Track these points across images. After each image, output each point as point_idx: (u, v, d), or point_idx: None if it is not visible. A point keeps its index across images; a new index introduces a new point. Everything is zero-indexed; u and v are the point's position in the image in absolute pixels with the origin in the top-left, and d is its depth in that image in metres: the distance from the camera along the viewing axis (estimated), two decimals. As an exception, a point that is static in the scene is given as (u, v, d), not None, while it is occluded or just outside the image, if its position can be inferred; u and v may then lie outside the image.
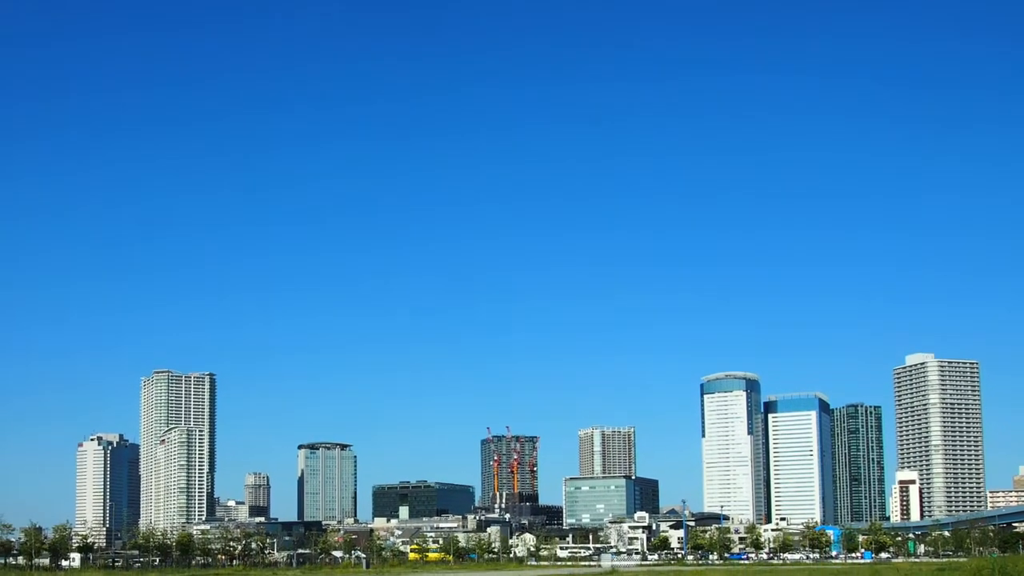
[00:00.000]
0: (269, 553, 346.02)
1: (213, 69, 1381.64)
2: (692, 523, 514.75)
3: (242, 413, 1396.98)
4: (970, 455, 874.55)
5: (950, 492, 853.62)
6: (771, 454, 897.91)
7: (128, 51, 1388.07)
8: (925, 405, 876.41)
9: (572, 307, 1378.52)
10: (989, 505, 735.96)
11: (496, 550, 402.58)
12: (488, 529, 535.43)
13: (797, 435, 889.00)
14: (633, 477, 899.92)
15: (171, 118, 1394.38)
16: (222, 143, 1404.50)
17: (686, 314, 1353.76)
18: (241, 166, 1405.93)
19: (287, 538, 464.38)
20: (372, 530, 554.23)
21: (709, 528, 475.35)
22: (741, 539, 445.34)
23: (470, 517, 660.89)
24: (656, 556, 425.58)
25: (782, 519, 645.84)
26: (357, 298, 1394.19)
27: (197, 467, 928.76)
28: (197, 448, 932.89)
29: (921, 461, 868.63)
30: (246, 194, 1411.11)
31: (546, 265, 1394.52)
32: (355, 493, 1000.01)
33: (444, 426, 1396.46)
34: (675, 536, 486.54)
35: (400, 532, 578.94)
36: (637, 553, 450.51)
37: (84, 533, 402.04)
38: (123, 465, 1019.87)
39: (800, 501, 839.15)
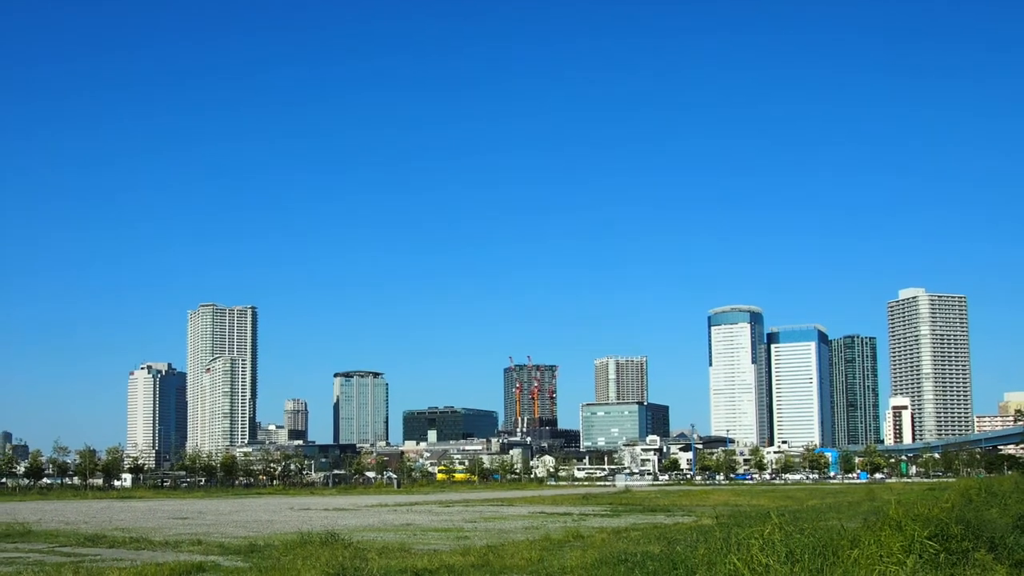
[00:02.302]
0: (307, 474, 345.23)
1: (256, 21, 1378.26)
2: (700, 446, 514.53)
3: (282, 343, 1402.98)
4: (958, 382, 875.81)
5: (940, 417, 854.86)
6: (773, 382, 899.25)
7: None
8: (917, 336, 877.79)
9: (590, 245, 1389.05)
10: (976, 429, 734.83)
11: (518, 471, 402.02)
12: (511, 451, 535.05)
13: (798, 364, 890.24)
14: (645, 403, 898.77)
15: (215, 67, 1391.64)
16: (262, 91, 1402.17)
17: (695, 251, 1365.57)
18: (280, 112, 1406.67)
19: (323, 460, 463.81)
20: (402, 452, 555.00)
21: (716, 450, 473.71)
22: (746, 461, 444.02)
23: (494, 440, 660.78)
24: (667, 476, 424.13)
25: (784, 442, 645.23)
26: (389, 236, 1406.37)
27: (240, 394, 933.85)
28: (240, 376, 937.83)
29: (913, 388, 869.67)
30: (284, 141, 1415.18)
31: (565, 208, 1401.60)
32: (387, 418, 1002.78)
33: (470, 355, 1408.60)
34: (684, 458, 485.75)
35: (428, 454, 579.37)
36: (649, 474, 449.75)
37: (135, 455, 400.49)
38: (171, 392, 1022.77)
39: (800, 425, 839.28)
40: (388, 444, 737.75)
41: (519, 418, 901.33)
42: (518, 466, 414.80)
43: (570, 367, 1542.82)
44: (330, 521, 76.00)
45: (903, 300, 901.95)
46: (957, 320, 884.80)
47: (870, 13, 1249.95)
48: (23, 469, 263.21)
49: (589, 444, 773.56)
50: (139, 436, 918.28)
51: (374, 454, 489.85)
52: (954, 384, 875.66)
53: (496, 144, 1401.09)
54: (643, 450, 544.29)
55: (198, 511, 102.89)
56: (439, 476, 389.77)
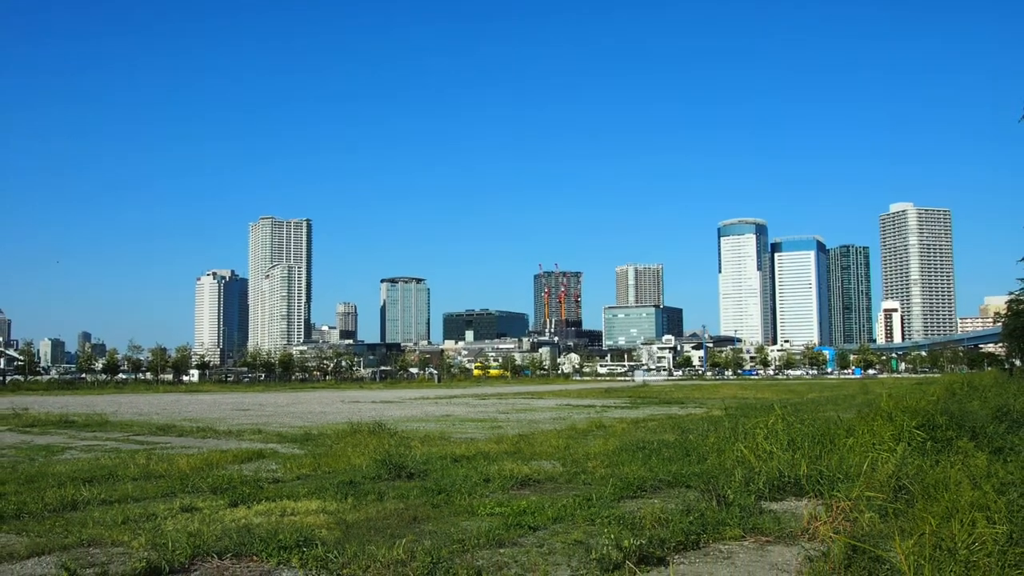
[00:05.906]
0: (356, 370, 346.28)
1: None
2: (711, 344, 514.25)
3: (334, 252, 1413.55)
4: (943, 288, 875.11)
5: (927, 318, 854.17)
6: (776, 287, 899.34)
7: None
8: (906, 246, 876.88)
9: (612, 163, 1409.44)
10: (959, 329, 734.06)
11: (546, 367, 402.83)
12: (540, 350, 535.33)
13: (798, 271, 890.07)
14: (661, 306, 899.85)
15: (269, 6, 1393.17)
16: (311, 21, 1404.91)
17: (706, 168, 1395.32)
18: (332, 40, 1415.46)
19: (371, 357, 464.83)
20: (443, 350, 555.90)
21: (725, 349, 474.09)
22: (752, 358, 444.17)
23: (525, 339, 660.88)
24: (680, 372, 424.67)
25: (786, 341, 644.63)
26: (430, 154, 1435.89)
27: (296, 298, 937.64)
28: (296, 282, 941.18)
29: (902, 293, 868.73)
30: (335, 68, 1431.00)
31: (589, 128, 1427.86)
32: (428, 319, 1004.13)
33: (503, 263, 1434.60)
34: (696, 356, 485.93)
35: (466, 352, 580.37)
36: (664, 370, 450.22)
37: (201, 353, 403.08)
38: (234, 296, 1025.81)
39: (801, 326, 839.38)
40: (429, 343, 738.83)
41: (547, 319, 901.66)
42: (546, 363, 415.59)
43: (594, 273, 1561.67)
44: (377, 412, 76.16)
45: (893, 213, 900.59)
46: (942, 231, 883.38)
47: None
48: (101, 366, 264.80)
49: (611, 343, 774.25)
50: (205, 336, 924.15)
51: (417, 352, 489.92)
52: (939, 289, 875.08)
53: (524, 66, 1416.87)
54: (659, 348, 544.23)
55: (258, 403, 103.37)
56: (475, 372, 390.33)
